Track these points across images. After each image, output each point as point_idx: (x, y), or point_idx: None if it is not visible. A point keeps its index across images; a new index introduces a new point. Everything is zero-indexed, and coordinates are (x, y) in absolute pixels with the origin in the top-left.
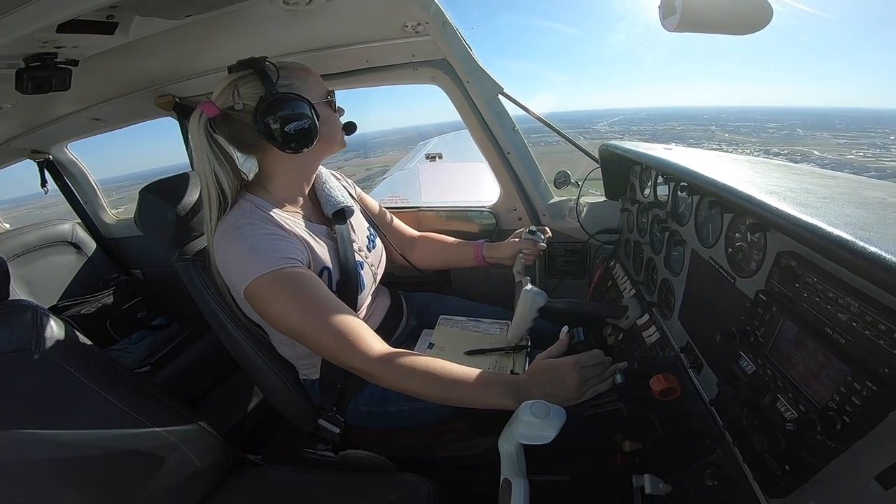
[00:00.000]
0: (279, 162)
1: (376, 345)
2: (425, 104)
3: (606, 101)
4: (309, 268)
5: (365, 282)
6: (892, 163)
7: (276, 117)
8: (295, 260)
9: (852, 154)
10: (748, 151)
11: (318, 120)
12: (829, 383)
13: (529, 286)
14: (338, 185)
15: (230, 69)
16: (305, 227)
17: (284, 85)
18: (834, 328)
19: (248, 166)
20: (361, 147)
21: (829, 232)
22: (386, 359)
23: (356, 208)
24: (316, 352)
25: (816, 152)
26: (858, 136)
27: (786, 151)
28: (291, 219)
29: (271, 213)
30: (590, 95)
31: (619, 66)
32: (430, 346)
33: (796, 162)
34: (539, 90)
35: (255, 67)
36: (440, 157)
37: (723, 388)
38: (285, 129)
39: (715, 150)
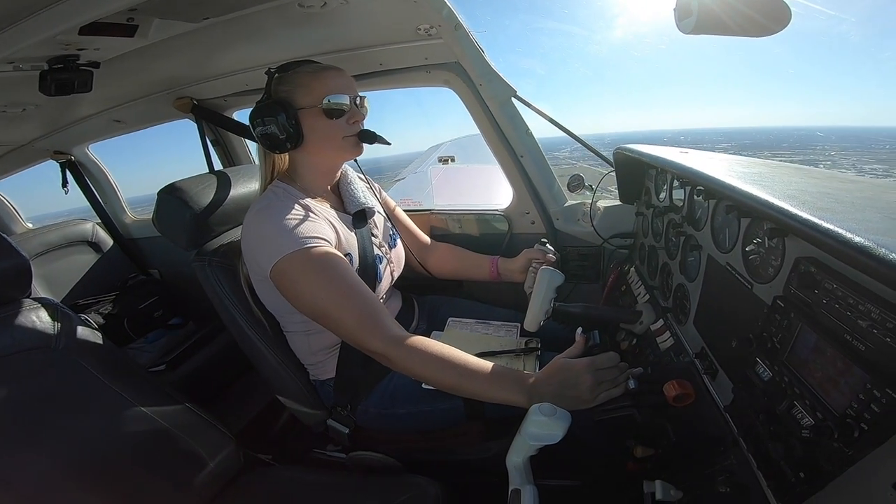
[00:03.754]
0: (298, 158)
1: (395, 329)
2: (445, 127)
3: (579, 126)
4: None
5: (382, 274)
6: None
7: (256, 122)
8: (324, 240)
9: None
10: None
11: (293, 126)
12: (848, 390)
13: (547, 266)
14: (362, 187)
15: None
16: (332, 214)
17: (282, 91)
18: (854, 335)
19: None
20: (378, 173)
21: (850, 238)
22: (404, 342)
23: (378, 209)
24: (336, 331)
25: None
26: (792, 154)
27: None
28: (319, 206)
29: (301, 198)
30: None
31: (600, 88)
32: None
33: None
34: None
35: (269, 74)
36: (453, 160)
37: (738, 394)
38: (256, 131)
39: None
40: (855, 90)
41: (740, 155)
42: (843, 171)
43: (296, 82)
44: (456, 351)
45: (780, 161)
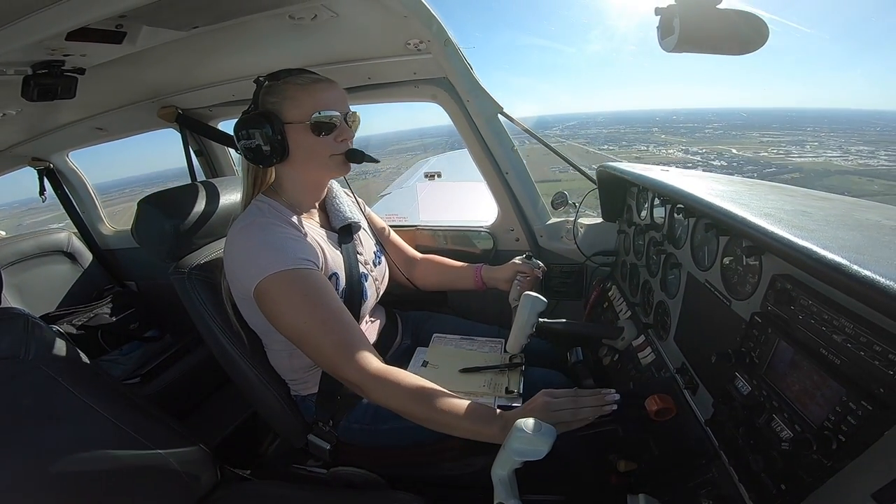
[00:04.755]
0: (284, 172)
1: (372, 360)
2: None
3: (572, 106)
4: (320, 271)
5: (368, 294)
6: (798, 159)
7: (241, 133)
8: (310, 262)
9: (766, 151)
10: (672, 150)
11: (277, 141)
12: (825, 403)
13: (529, 292)
14: (348, 201)
15: None
16: (318, 232)
17: (269, 102)
18: (829, 349)
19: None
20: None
21: (824, 256)
22: (378, 375)
23: (364, 225)
24: (313, 358)
25: (734, 150)
26: (781, 134)
27: (704, 151)
28: (306, 223)
29: (287, 215)
30: (557, 100)
31: (601, 72)
32: (425, 363)
33: (711, 159)
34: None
35: (259, 83)
36: (439, 175)
37: (718, 408)
38: (240, 143)
39: (643, 150)
40: (850, 74)
41: (730, 133)
42: (830, 151)
43: (284, 94)
44: (432, 386)
45: (769, 140)
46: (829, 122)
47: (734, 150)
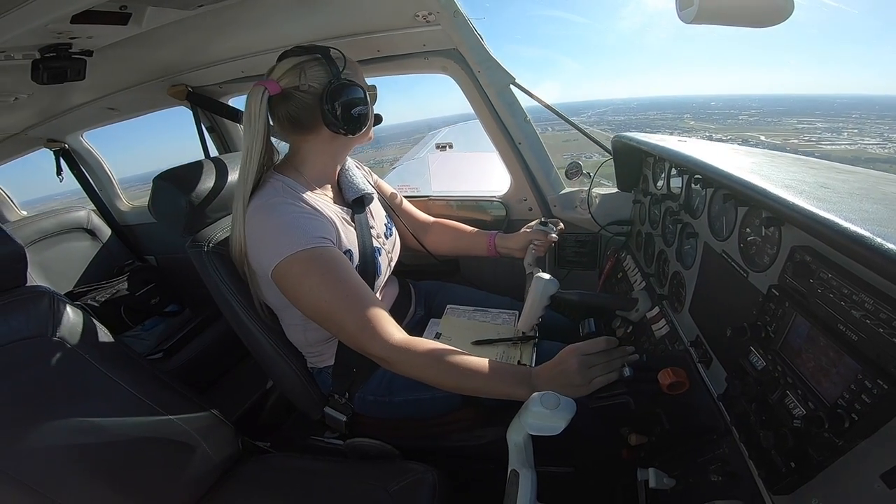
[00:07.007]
0: (318, 145)
1: (396, 333)
2: (437, 96)
3: (604, 92)
4: (336, 247)
5: (381, 268)
6: (829, 146)
7: (341, 101)
8: (328, 240)
9: (797, 139)
10: (694, 137)
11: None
12: (840, 381)
13: (541, 273)
14: (359, 174)
15: (289, 53)
16: (333, 209)
17: (347, 73)
18: (847, 325)
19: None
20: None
21: (846, 227)
22: (403, 347)
23: (375, 196)
24: (336, 334)
25: (762, 137)
26: (820, 121)
27: (729, 138)
28: (321, 200)
29: (303, 193)
30: (587, 87)
31: (629, 56)
32: (437, 335)
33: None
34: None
35: (322, 53)
36: (451, 146)
37: (731, 383)
38: (351, 112)
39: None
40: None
41: (765, 120)
42: (868, 139)
43: (351, 67)
44: (454, 352)
45: (804, 127)
46: (879, 108)
47: (762, 137)
